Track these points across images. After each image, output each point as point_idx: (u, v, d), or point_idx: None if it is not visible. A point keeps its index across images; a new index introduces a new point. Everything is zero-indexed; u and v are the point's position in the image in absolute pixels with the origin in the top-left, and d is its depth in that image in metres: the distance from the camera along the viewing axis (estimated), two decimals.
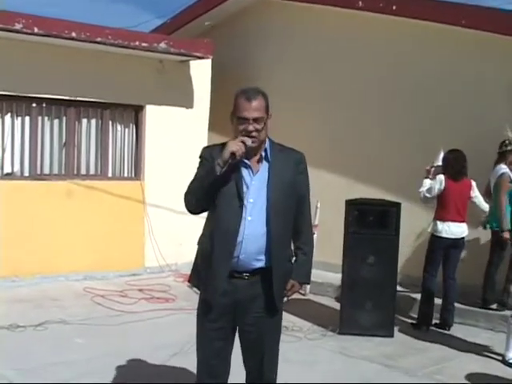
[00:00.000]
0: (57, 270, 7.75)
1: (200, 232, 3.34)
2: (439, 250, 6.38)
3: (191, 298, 4.98)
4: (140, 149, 8.65)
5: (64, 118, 8.05)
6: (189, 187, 3.25)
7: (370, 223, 6.24)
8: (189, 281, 3.54)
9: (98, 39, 7.52)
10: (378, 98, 8.23)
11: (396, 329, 6.27)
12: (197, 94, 9.00)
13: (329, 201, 7.83)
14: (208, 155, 3.24)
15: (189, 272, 3.45)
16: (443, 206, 6.36)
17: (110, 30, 7.70)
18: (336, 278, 6.97)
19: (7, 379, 4.54)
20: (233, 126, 3.19)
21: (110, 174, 8.48)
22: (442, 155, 6.52)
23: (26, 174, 7.84)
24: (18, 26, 6.97)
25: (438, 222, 6.35)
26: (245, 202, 3.13)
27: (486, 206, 6.53)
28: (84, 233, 8.00)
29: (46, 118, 7.94)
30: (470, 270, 6.74)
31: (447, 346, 5.89)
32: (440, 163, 6.51)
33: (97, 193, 8.14)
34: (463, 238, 6.39)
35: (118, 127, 8.55)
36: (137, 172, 8.68)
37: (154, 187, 8.57)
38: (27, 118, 7.80)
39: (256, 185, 3.17)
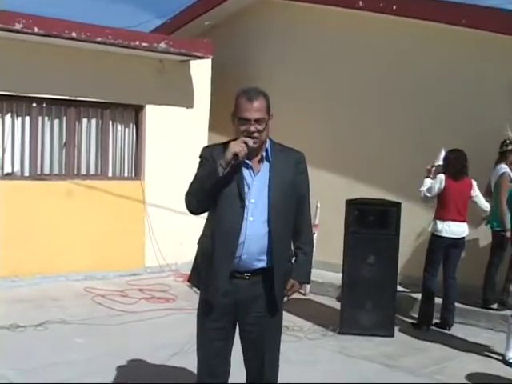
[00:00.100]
0: (57, 269, 7.75)
1: (200, 232, 3.34)
2: (439, 249, 6.37)
3: (191, 297, 4.98)
4: (140, 149, 8.65)
5: (64, 118, 8.05)
6: (189, 188, 3.23)
7: (371, 223, 6.24)
8: (188, 280, 3.53)
9: (98, 39, 7.52)
10: (378, 97, 8.22)
11: (396, 328, 6.27)
12: (197, 94, 8.99)
13: (329, 201, 7.82)
14: (208, 155, 3.24)
15: (189, 272, 3.44)
16: (443, 206, 6.35)
17: (110, 29, 7.70)
18: (336, 277, 6.97)
19: (7, 379, 4.54)
20: (234, 127, 3.18)
21: (110, 174, 8.48)
22: (442, 154, 6.52)
23: (27, 173, 7.83)
24: (18, 26, 6.97)
25: (439, 222, 6.34)
26: (246, 203, 3.13)
27: (486, 206, 6.52)
28: (84, 233, 8.00)
29: (46, 118, 7.94)
30: (471, 270, 6.74)
31: (448, 346, 5.89)
32: (441, 162, 6.50)
33: (97, 193, 8.13)
34: (463, 237, 6.38)
35: (118, 127, 8.55)
36: (137, 172, 8.68)
37: (154, 187, 8.56)
38: (27, 118, 7.80)
39: (257, 185, 3.17)
